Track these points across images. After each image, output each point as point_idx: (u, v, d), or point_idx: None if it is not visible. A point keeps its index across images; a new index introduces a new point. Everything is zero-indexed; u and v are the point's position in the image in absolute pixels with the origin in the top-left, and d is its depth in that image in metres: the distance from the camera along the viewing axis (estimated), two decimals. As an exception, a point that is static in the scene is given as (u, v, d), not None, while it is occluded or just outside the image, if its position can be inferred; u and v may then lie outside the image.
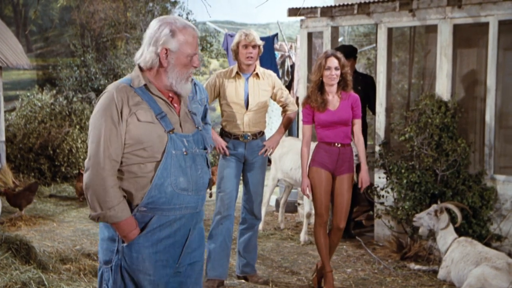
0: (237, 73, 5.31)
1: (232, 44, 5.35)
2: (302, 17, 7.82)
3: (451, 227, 5.61)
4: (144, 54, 2.93)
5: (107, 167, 2.80)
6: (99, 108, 2.84)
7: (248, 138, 5.31)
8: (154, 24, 2.93)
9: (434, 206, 5.66)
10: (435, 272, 5.71)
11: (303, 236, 6.98)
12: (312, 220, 7.61)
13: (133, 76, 2.95)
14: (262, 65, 9.61)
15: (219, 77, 5.33)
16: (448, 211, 5.65)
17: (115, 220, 2.82)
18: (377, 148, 6.77)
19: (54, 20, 13.48)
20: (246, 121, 5.29)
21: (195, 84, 5.21)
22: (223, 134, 5.35)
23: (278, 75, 9.70)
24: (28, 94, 11.24)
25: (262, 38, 10.07)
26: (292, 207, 8.43)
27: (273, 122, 9.92)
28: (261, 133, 5.41)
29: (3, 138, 9.27)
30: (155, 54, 2.91)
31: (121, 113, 2.82)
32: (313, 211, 6.88)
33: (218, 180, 5.34)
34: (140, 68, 2.96)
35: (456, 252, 5.41)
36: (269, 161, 7.43)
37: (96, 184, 2.78)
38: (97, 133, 2.81)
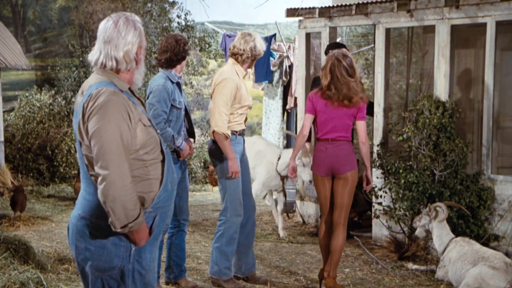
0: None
1: (259, 49, 5.28)
2: (300, 18, 7.83)
3: (447, 227, 5.63)
4: (118, 57, 2.82)
5: (130, 176, 2.70)
6: (110, 117, 2.69)
7: (245, 133, 5.43)
8: (121, 25, 2.82)
9: (428, 206, 5.72)
10: (433, 272, 5.73)
11: (281, 232, 7.15)
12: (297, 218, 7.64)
13: (114, 81, 2.83)
14: (257, 65, 9.66)
15: (236, 81, 5.21)
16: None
17: (139, 227, 2.73)
18: (375, 148, 6.78)
19: (52, 20, 13.47)
20: (246, 119, 5.41)
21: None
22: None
23: (271, 76, 9.74)
24: (27, 94, 11.23)
25: (260, 39, 10.09)
26: (289, 207, 8.44)
27: (271, 122, 9.92)
28: None
29: (2, 139, 9.27)
30: (132, 54, 2.85)
31: (130, 120, 2.76)
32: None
33: (232, 182, 5.24)
34: (117, 71, 2.86)
35: (454, 252, 5.43)
36: None
37: (124, 195, 2.65)
38: (114, 142, 2.67)
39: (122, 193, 2.65)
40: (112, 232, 2.75)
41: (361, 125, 5.13)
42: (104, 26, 2.83)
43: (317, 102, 5.15)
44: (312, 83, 7.38)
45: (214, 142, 5.22)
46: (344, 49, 5.44)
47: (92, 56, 2.87)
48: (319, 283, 5.38)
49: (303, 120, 5.25)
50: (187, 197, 5.36)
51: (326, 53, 7.03)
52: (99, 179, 2.67)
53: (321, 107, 5.13)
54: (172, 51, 5.06)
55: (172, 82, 5.05)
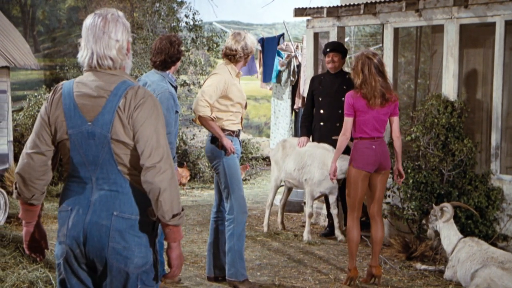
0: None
1: (250, 47, 5.33)
2: (308, 17, 7.82)
3: (454, 228, 5.62)
4: (112, 55, 2.77)
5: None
6: (158, 111, 2.77)
7: (240, 134, 5.44)
8: (110, 22, 2.77)
9: (433, 208, 5.73)
10: (441, 272, 5.72)
11: (306, 235, 7.00)
12: (313, 219, 7.63)
13: (129, 78, 2.84)
14: (266, 64, 9.66)
15: (225, 77, 5.26)
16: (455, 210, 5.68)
17: (183, 222, 2.78)
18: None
19: (61, 20, 13.53)
20: (242, 119, 5.43)
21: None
22: (224, 132, 5.30)
23: (275, 78, 9.74)
24: (36, 94, 11.27)
25: (268, 39, 10.11)
26: (298, 207, 8.44)
27: (280, 122, 9.92)
28: None
29: (11, 138, 9.31)
30: (124, 51, 2.83)
31: None
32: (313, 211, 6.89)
33: (234, 180, 5.26)
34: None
35: (462, 252, 5.41)
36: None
37: (175, 186, 2.73)
38: (163, 134, 2.76)
39: (174, 181, 2.72)
40: (146, 228, 2.81)
41: (395, 120, 5.42)
42: (92, 24, 2.77)
43: (358, 102, 5.28)
44: (310, 83, 7.35)
45: (210, 141, 5.29)
46: (371, 48, 5.54)
47: (83, 57, 2.80)
48: (349, 281, 5.43)
49: (345, 124, 5.35)
50: None
51: (325, 53, 7.03)
52: (153, 170, 2.68)
53: (363, 106, 5.27)
54: (166, 53, 5.05)
55: (172, 86, 5.08)
